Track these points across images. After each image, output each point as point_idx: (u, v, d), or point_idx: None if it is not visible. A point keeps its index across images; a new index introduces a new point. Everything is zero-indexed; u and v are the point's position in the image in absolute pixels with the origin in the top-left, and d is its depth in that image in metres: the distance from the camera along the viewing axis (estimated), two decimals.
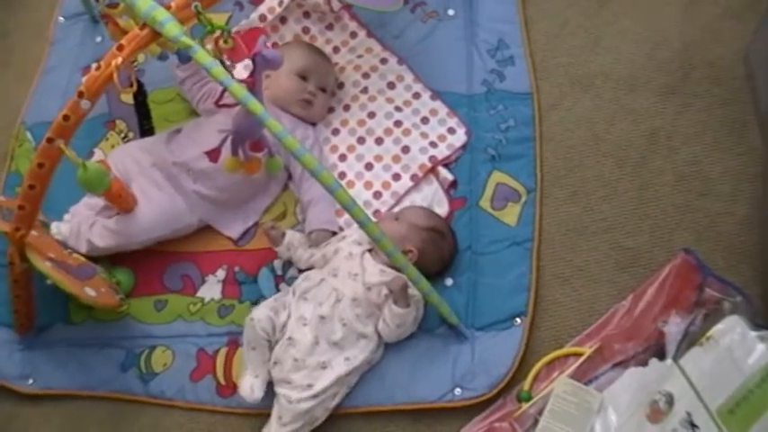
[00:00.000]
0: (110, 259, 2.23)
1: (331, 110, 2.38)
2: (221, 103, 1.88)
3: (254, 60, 1.82)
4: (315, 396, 1.95)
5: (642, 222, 2.10)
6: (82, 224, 2.20)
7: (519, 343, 1.99)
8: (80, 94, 1.76)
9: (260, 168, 2.03)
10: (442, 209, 2.19)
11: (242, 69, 2.33)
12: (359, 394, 2.03)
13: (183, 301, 2.22)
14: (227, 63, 2.10)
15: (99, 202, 2.20)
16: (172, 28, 1.73)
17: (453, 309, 2.01)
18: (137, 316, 2.23)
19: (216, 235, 2.28)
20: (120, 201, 2.12)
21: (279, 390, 1.98)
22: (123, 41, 1.76)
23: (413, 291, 1.98)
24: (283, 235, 2.18)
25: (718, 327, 1.78)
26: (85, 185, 1.90)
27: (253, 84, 1.84)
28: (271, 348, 2.01)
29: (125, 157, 2.28)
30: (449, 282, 2.11)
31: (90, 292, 2.02)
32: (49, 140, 1.79)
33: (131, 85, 1.85)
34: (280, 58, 1.84)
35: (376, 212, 2.21)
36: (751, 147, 2.13)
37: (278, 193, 2.31)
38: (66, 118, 1.77)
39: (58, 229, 2.20)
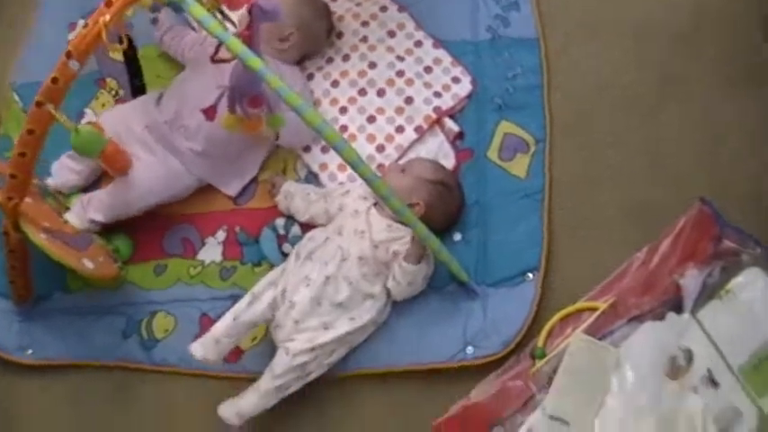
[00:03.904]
0: (107, 226, 2.21)
1: (330, 60, 2.36)
2: (217, 58, 1.85)
3: (250, 12, 1.79)
4: (312, 350, 1.95)
5: (655, 172, 2.11)
6: (82, 204, 2.19)
7: (532, 299, 2.01)
8: (68, 55, 1.73)
9: (261, 126, 2.01)
10: (449, 161, 2.19)
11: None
12: (367, 355, 2.04)
13: (183, 264, 2.23)
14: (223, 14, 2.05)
15: None
16: None
17: (463, 265, 2.01)
18: (137, 282, 2.23)
19: (214, 195, 2.27)
20: (115, 163, 2.09)
21: (281, 344, 1.98)
22: None
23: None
24: None
25: (738, 279, 1.79)
26: (79, 150, 1.89)
27: (249, 37, 1.80)
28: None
29: (116, 121, 2.25)
30: (457, 237, 2.11)
31: (88, 263, 2.01)
32: (39, 104, 1.76)
33: (121, 42, 1.82)
34: (278, 8, 1.80)
35: (380, 166, 2.22)
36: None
37: (274, 143, 2.27)
38: (54, 80, 1.74)
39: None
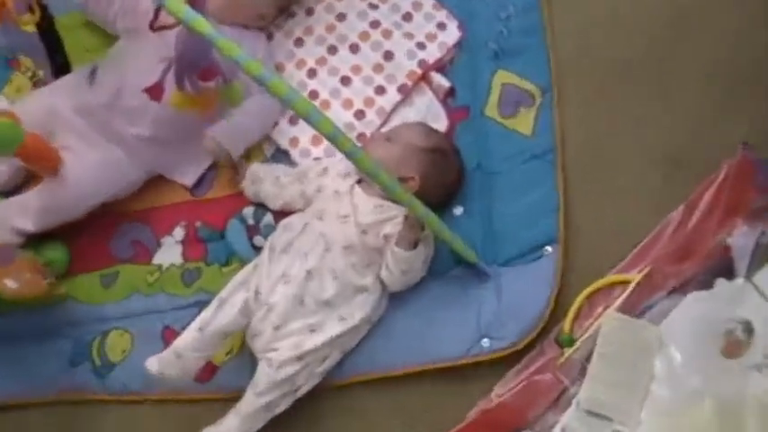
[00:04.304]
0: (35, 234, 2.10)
1: (291, 15, 2.26)
2: (157, 25, 1.71)
3: None
4: (299, 358, 1.86)
5: (682, 118, 2.04)
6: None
7: (552, 276, 1.94)
8: None
9: (215, 101, 1.87)
10: (441, 123, 2.12)
11: None
12: (364, 358, 1.97)
13: (136, 271, 2.14)
14: None
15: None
16: None
17: (468, 243, 1.94)
18: (81, 297, 2.15)
19: (168, 186, 2.19)
20: (39, 159, 1.98)
21: (261, 355, 1.91)
22: None
23: None
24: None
25: None
26: None
27: None
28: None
29: (38, 108, 2.11)
30: (458, 211, 2.04)
31: (10, 283, 1.91)
32: None
33: (32, 12, 1.72)
34: None
35: (360, 136, 2.14)
36: None
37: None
38: None
39: None
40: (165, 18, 1.65)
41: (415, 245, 1.87)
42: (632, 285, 1.84)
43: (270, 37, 2.24)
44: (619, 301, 1.83)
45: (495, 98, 2.10)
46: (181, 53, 1.75)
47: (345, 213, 1.93)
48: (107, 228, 2.16)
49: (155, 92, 1.81)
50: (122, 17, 2.18)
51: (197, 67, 1.78)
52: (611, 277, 1.89)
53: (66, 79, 2.20)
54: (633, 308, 1.82)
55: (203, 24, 1.53)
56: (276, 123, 2.17)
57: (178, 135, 2.11)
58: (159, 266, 2.13)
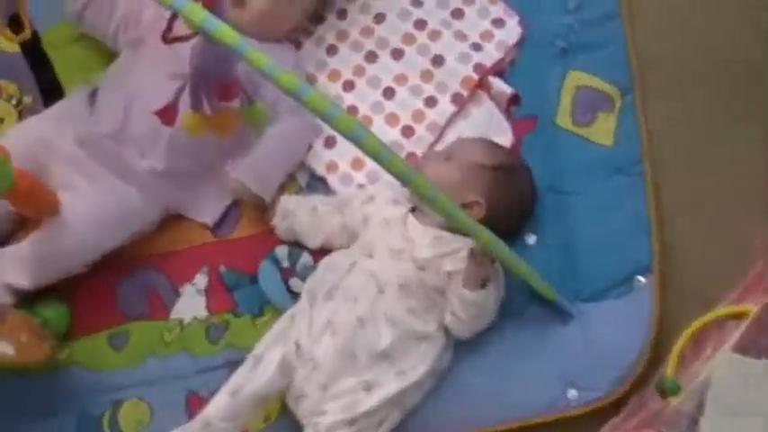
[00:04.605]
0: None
1: (320, 20, 2.16)
2: (172, 36, 1.62)
3: None
4: (351, 422, 1.77)
5: None
6: None
7: (648, 311, 1.87)
8: None
9: (235, 124, 1.77)
10: (505, 137, 2.04)
11: None
12: (427, 419, 1.87)
13: (152, 328, 2.02)
14: None
15: None
16: None
17: (544, 277, 1.85)
18: (86, 362, 2.00)
19: (185, 225, 2.07)
20: (34, 202, 1.86)
21: (307, 420, 1.83)
22: None
23: None
24: None
25: None
26: None
27: (212, 2, 1.56)
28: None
29: (30, 140, 1.99)
30: (531, 240, 1.97)
31: (6, 349, 1.80)
32: None
33: (18, 28, 1.72)
34: None
35: (410, 156, 2.05)
36: None
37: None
38: None
39: None
40: (180, 28, 1.57)
41: (483, 283, 1.77)
42: (750, 319, 1.70)
43: (297, 46, 2.14)
44: (735, 338, 1.69)
45: (567, 104, 2.04)
46: (197, 68, 1.66)
47: (400, 248, 1.83)
48: (114, 277, 2.02)
49: (167, 114, 1.70)
50: (125, 29, 2.08)
51: (215, 84, 1.70)
52: (722, 309, 1.75)
53: (60, 105, 2.09)
54: (753, 345, 1.67)
55: (228, 33, 1.43)
56: (310, 147, 2.07)
57: (196, 166, 2.01)
58: (179, 321, 2.00)
